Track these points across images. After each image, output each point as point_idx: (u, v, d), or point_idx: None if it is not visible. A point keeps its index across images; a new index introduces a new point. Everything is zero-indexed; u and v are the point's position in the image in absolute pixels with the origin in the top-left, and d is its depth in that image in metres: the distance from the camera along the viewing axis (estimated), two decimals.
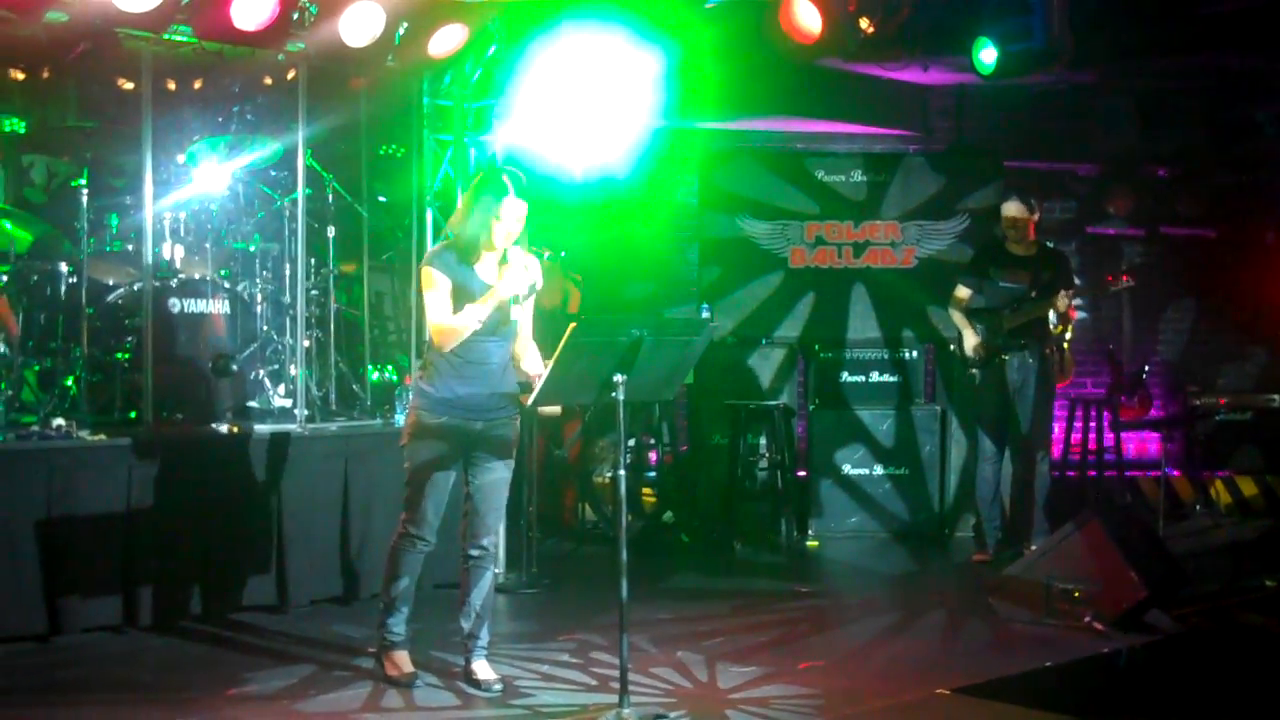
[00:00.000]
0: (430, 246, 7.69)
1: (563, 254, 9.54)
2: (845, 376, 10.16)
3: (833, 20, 8.24)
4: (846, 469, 9.98)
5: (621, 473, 5.75)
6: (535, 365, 6.08)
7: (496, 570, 7.92)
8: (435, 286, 5.93)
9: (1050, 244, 9.28)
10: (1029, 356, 8.81)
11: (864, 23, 8.36)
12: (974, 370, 8.98)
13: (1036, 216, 8.94)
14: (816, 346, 10.20)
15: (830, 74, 10.10)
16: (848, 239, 10.35)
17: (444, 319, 5.90)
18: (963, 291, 9.07)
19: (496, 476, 6.11)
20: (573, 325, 5.52)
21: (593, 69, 8.20)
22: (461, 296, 5.93)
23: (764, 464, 9.69)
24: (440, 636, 6.74)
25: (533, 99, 8.39)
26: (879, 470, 10.00)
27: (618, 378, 5.68)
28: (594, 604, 7.41)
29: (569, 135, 8.65)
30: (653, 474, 10.14)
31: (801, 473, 10.01)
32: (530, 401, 5.79)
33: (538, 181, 9.28)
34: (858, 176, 10.41)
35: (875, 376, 10.15)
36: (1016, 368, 8.83)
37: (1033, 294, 8.75)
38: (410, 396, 6.24)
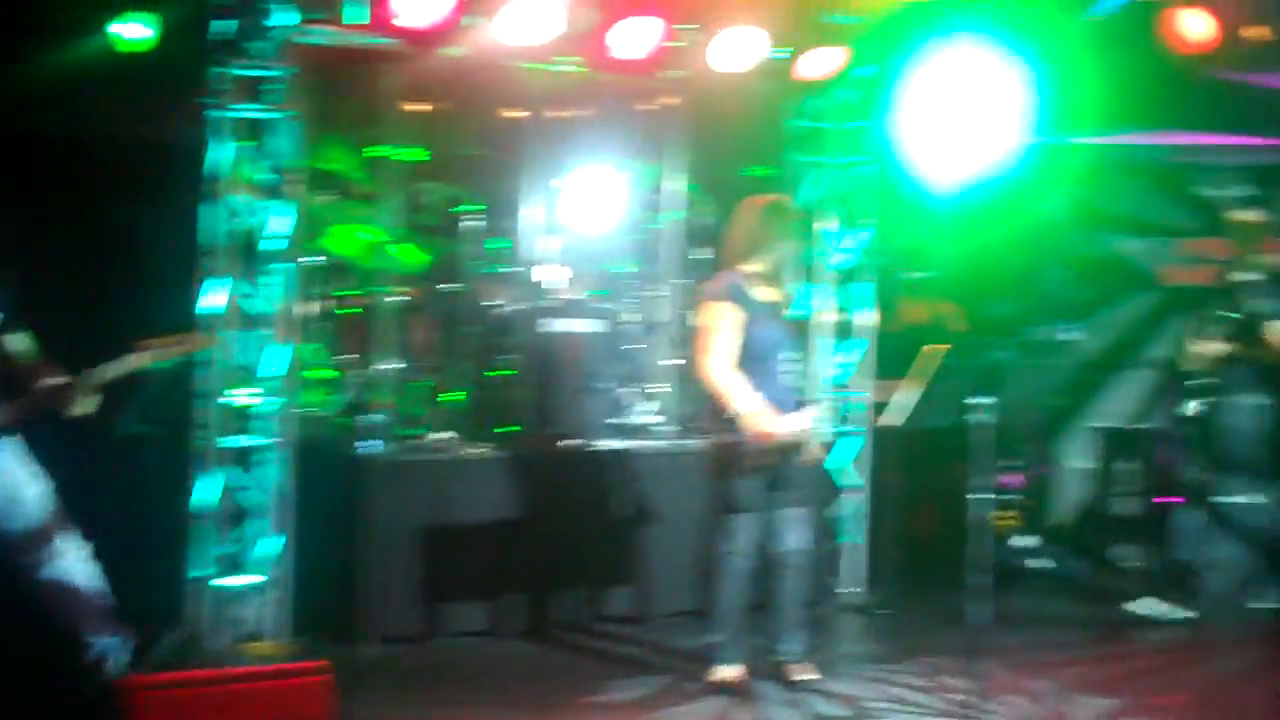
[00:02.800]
0: None
1: (928, 273, 9.40)
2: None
3: (1224, 29, 7.89)
4: (1222, 498, 9.42)
5: (980, 496, 5.65)
6: None
7: (854, 589, 8.11)
8: (721, 324, 6.16)
9: None
10: None
11: (1257, 31, 7.96)
12: None
13: None
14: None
15: (1216, 85, 9.61)
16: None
17: (719, 366, 6.13)
18: None
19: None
20: (939, 346, 5.50)
21: (967, 85, 8.05)
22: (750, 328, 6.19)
23: (1127, 489, 9.28)
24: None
25: (904, 117, 8.29)
26: (1258, 499, 9.40)
27: (978, 399, 5.60)
28: (949, 627, 7.24)
29: (940, 152, 8.51)
30: (1012, 496, 9.87)
31: (1171, 500, 9.52)
32: (891, 422, 5.80)
33: (905, 201, 9.31)
34: (1242, 191, 9.85)
35: (1256, 400, 9.53)
36: None
37: None
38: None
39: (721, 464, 6.25)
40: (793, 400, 6.36)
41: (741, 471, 6.15)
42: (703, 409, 6.47)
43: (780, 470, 6.22)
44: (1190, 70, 8.43)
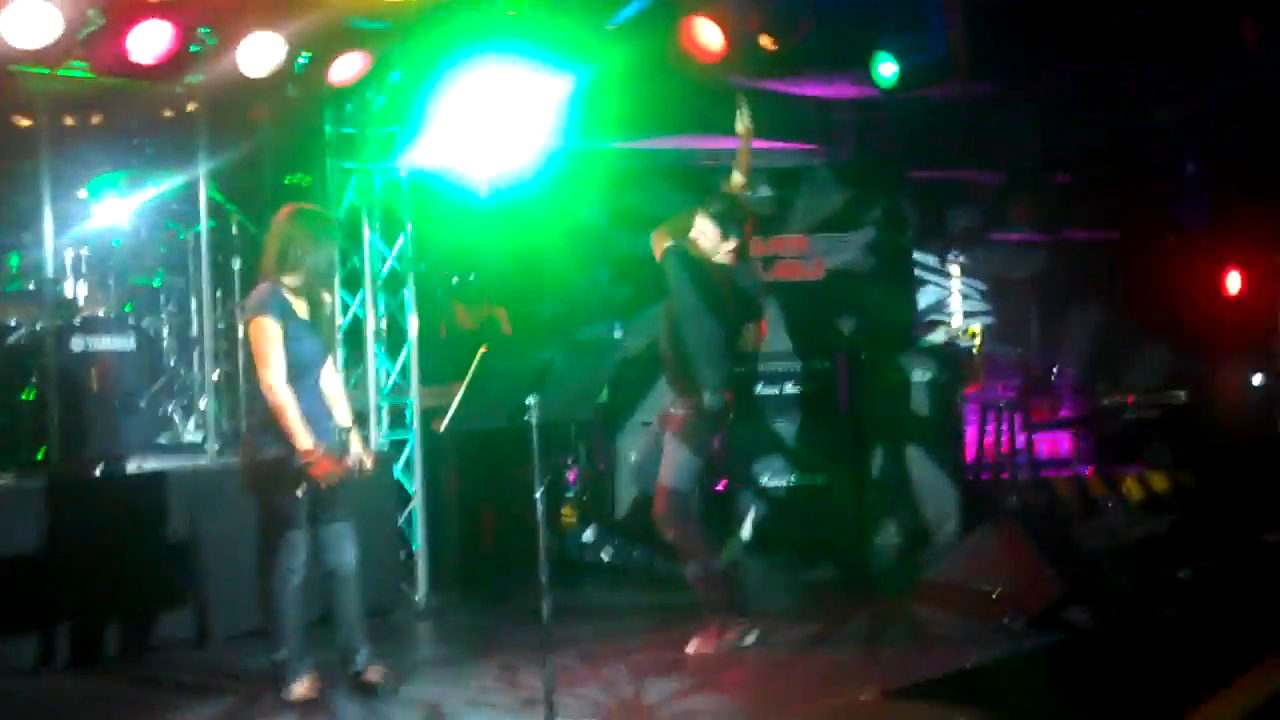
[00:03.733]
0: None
1: (471, 277, 9.51)
2: (761, 389, 10.14)
3: (734, 38, 8.32)
4: (765, 480, 9.98)
5: (538, 494, 5.74)
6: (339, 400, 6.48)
7: (418, 596, 8.12)
8: (268, 338, 6.04)
9: None
10: None
11: (765, 40, 8.43)
12: None
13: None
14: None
15: (734, 91, 10.14)
16: (757, 253, 10.35)
17: (278, 381, 6.02)
18: None
19: None
20: (483, 348, 5.52)
21: (497, 93, 8.18)
22: (291, 341, 6.09)
23: None
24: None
25: (438, 124, 8.36)
26: (796, 480, 9.99)
27: (530, 399, 5.68)
28: (518, 625, 7.37)
29: (476, 160, 8.63)
30: (571, 493, 10.11)
31: (719, 485, 10.01)
32: (442, 427, 5.78)
33: (447, 206, 9.38)
34: (764, 191, 10.46)
35: (789, 388, 10.12)
36: None
37: None
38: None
39: (268, 480, 6.11)
40: (329, 415, 6.32)
41: (288, 487, 6.04)
42: (251, 424, 6.26)
43: (325, 485, 6.15)
44: (708, 77, 8.87)
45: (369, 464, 6.36)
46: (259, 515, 6.20)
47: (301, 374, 6.13)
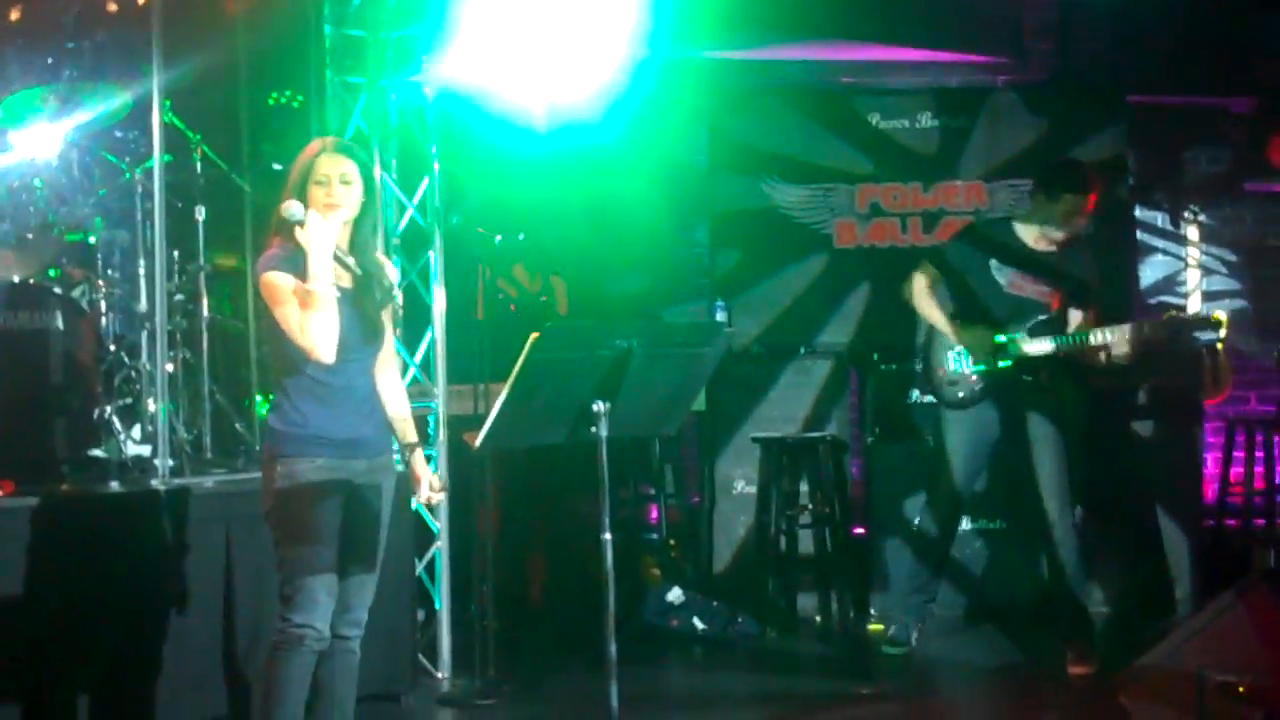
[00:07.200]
0: None
1: (521, 236, 9.56)
2: (916, 396, 10.10)
3: None
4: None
5: (607, 536, 5.75)
6: (400, 403, 6.24)
7: (441, 675, 8.20)
8: (286, 295, 5.86)
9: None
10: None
11: None
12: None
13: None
14: (875, 356, 10.17)
15: None
16: (915, 207, 10.38)
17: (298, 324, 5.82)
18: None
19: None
20: (535, 335, 5.53)
21: None
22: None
23: (806, 519, 9.67)
24: None
25: (477, 26, 8.40)
26: (965, 524, 9.93)
27: (598, 406, 5.70)
28: (576, 716, 7.40)
29: (529, 78, 8.66)
30: (654, 536, 10.13)
31: (859, 529, 10.01)
32: (478, 442, 5.79)
33: (488, 140, 9.44)
34: (927, 121, 10.48)
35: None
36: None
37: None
38: (267, 443, 6.13)
39: (294, 501, 6.08)
40: (376, 415, 6.25)
41: (314, 519, 5.98)
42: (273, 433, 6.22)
43: (351, 514, 6.10)
44: None
45: (438, 492, 6.31)
46: (273, 553, 6.14)
47: (338, 359, 5.92)
